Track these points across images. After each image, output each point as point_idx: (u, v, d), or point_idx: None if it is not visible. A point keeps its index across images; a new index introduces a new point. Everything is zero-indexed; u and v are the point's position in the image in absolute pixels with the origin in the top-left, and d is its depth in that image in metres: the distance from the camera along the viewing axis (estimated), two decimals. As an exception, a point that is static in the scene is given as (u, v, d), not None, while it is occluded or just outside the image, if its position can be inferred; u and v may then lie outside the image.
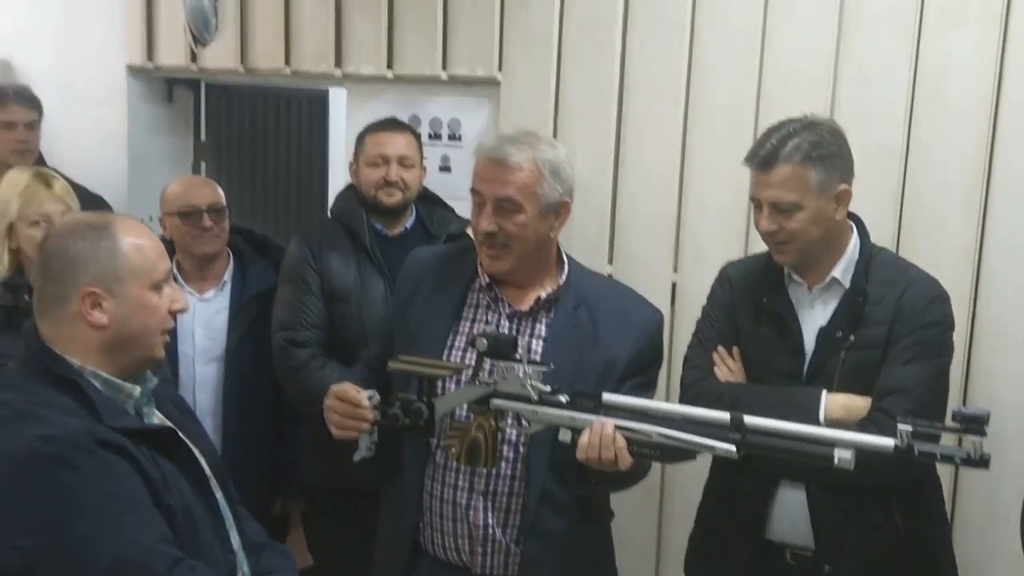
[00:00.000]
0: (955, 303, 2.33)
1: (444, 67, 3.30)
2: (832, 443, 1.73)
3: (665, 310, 2.98)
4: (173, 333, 2.84)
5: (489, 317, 2.14)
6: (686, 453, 1.84)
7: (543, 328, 2.12)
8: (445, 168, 3.39)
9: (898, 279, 2.13)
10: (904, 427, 1.68)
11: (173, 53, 3.79)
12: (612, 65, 3.01)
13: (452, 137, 3.37)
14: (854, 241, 2.17)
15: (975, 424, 1.65)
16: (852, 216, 2.19)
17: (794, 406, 2.02)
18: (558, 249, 2.20)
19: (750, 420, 1.78)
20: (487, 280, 2.14)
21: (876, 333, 2.09)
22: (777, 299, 2.19)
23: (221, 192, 2.97)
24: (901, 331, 2.07)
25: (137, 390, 1.68)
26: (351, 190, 2.95)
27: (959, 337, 2.54)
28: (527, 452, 2.06)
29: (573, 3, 3.06)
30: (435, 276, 2.20)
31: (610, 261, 3.08)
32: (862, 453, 1.72)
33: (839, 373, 2.09)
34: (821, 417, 2.03)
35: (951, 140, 2.63)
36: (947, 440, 1.77)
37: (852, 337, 2.10)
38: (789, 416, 1.83)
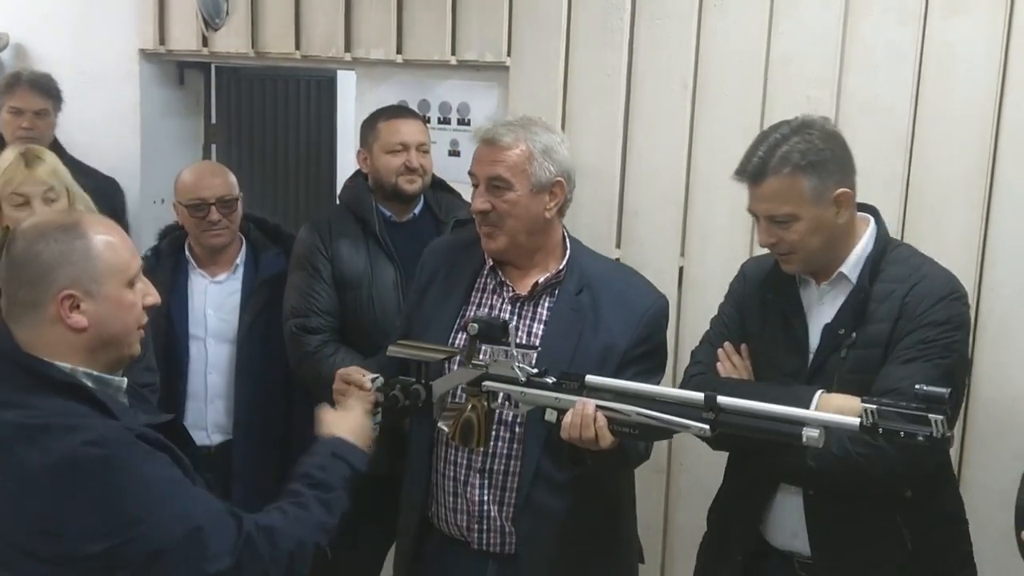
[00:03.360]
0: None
1: (453, 52, 3.30)
2: (802, 422, 1.74)
3: (672, 294, 3.01)
4: (183, 315, 2.94)
5: (494, 301, 2.19)
6: (663, 432, 1.92)
7: (544, 312, 2.17)
8: (454, 152, 3.40)
9: (909, 276, 2.02)
10: (869, 405, 1.68)
11: (185, 37, 3.81)
12: (620, 50, 3.02)
13: (461, 122, 3.38)
14: (868, 235, 2.08)
15: (935, 403, 1.64)
16: (870, 208, 2.12)
17: (785, 404, 1.92)
18: (564, 234, 2.24)
19: (723, 400, 1.82)
20: (492, 263, 2.20)
21: (878, 330, 2.00)
22: (784, 295, 2.13)
23: (233, 181, 2.94)
24: (904, 329, 1.97)
25: (125, 382, 1.66)
26: (359, 177, 2.96)
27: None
28: (523, 432, 2.11)
29: (582, -11, 3.07)
30: (449, 263, 2.27)
31: (618, 246, 3.10)
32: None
33: (839, 371, 2.01)
34: None
35: (957, 125, 2.63)
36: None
37: (854, 335, 2.01)
38: None
